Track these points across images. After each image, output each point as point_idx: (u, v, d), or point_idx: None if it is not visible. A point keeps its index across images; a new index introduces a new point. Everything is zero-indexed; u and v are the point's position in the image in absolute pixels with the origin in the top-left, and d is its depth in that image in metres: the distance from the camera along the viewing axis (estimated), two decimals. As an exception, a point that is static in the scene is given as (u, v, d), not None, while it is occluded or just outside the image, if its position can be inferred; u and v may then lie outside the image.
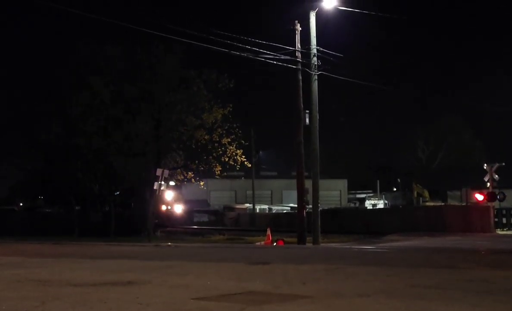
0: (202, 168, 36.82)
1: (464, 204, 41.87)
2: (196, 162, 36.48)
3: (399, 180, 72.40)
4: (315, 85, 25.56)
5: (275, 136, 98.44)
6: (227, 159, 35.71)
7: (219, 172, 36.57)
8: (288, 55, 25.22)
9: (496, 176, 34.73)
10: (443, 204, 53.27)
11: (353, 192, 77.53)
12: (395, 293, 7.42)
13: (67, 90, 35.27)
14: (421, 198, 58.99)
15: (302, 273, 9.98)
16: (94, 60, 34.31)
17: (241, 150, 36.10)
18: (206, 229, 45.02)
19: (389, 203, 65.03)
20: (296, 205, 30.58)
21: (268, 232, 27.33)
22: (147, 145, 34.40)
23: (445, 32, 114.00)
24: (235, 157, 35.77)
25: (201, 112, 34.66)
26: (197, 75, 34.13)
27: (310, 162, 26.19)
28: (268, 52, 24.66)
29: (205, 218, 57.85)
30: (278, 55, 24.94)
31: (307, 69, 25.49)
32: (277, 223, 44.27)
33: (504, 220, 37.60)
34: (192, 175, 37.89)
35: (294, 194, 29.78)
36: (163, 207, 43.67)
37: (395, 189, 74.71)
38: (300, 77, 25.51)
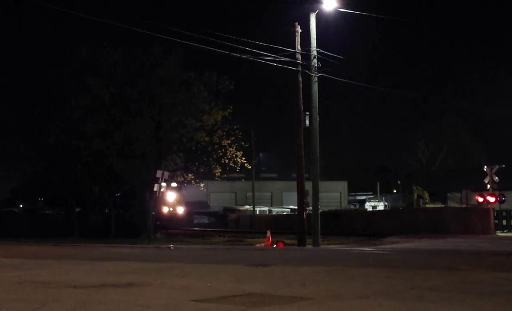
0: (202, 170, 36.86)
1: (464, 206, 41.83)
2: (196, 163, 36.54)
3: (399, 182, 72.33)
4: (315, 87, 25.55)
5: (275, 138, 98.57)
6: (227, 161, 35.72)
7: (219, 173, 36.60)
8: (288, 57, 25.19)
9: (496, 177, 34.78)
10: (443, 205, 53.24)
11: (353, 193, 77.49)
12: (395, 295, 7.42)
13: (67, 92, 35.27)
14: (421, 200, 58.89)
15: (302, 275, 9.98)
16: (94, 62, 34.33)
17: (241, 152, 36.15)
18: (206, 231, 44.97)
19: (389, 205, 65.06)
20: (296, 207, 30.56)
21: (268, 234, 27.35)
22: (147, 147, 34.39)
23: (445, 33, 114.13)
24: (235, 159, 35.80)
25: (201, 114, 34.65)
26: (197, 77, 34.17)
27: (310, 163, 26.20)
28: (269, 54, 24.68)
29: (205, 220, 57.78)
30: (279, 57, 24.92)
31: (307, 71, 25.48)
32: (277, 224, 44.25)
33: (504, 222, 37.64)
34: (192, 177, 37.94)
35: (294, 195, 29.77)
36: (165, 209, 43.61)
37: (395, 191, 74.70)
38: (300, 79, 25.50)
